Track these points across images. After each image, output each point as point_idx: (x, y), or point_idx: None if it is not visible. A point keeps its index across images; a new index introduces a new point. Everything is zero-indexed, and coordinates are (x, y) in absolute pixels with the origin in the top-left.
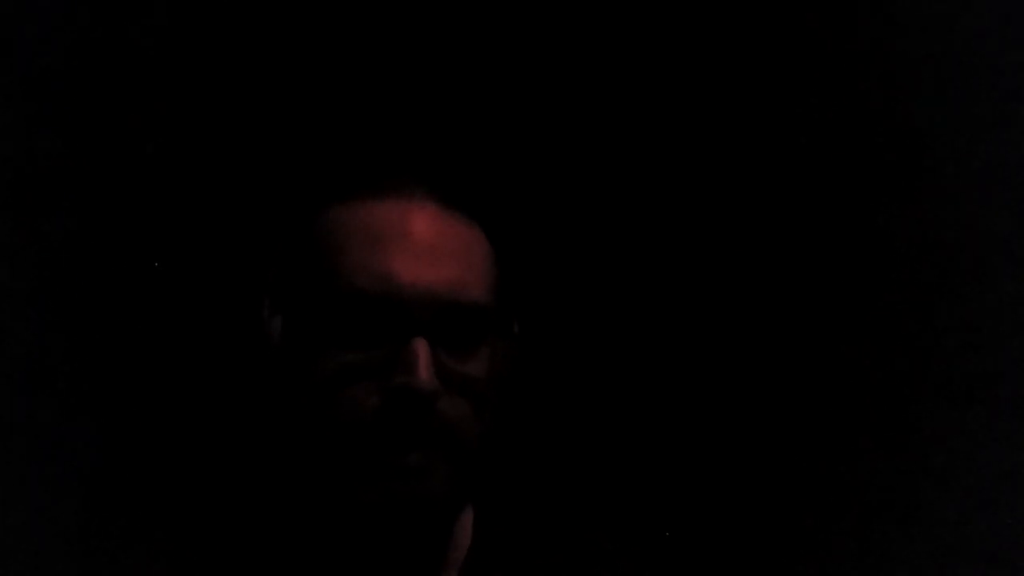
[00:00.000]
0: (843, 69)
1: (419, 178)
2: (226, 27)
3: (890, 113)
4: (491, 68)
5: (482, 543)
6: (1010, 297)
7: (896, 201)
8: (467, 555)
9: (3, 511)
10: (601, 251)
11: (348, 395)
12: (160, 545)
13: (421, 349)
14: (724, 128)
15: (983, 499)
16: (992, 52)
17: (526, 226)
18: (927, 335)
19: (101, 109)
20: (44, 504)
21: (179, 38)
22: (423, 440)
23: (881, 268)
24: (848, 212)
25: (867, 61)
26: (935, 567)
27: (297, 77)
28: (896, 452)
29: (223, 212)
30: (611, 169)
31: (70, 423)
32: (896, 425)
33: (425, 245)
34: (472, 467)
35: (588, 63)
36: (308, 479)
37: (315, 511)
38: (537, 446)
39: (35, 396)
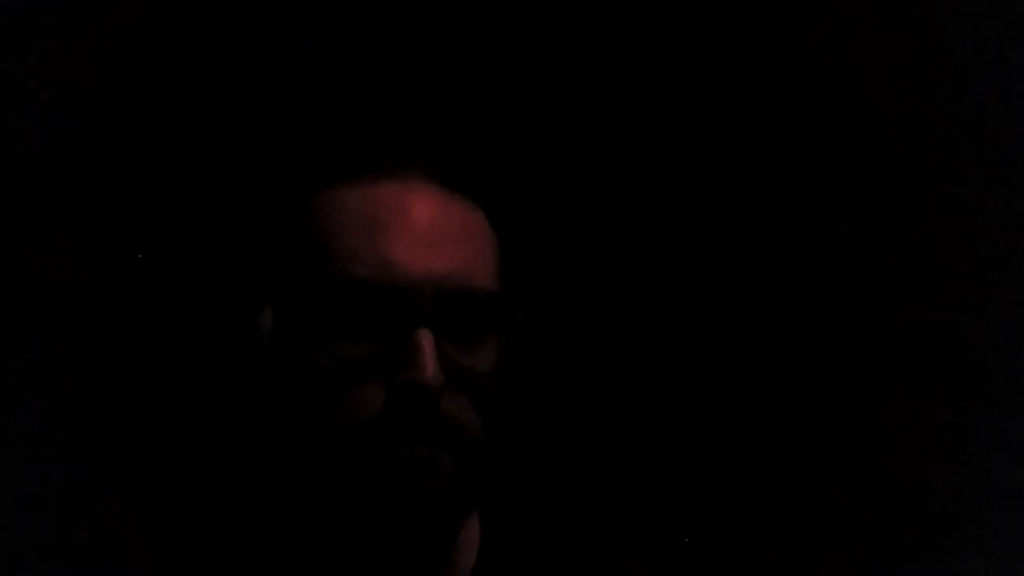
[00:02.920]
0: (850, 71)
1: (416, 159)
2: (212, 7)
3: (894, 120)
4: (488, 47)
5: (491, 552)
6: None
7: (905, 205)
8: (475, 564)
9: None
10: (606, 236)
11: (347, 393)
12: (153, 552)
13: (426, 341)
14: (727, 110)
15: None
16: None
17: (528, 210)
18: (939, 335)
19: (82, 92)
20: (35, 508)
21: (165, 20)
22: (428, 438)
23: (891, 269)
24: (862, 213)
25: (873, 63)
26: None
27: (286, 56)
28: (910, 455)
29: (206, 199)
30: (615, 152)
31: (56, 427)
32: (910, 425)
33: (426, 229)
34: (478, 467)
35: (590, 44)
36: (304, 483)
37: (313, 517)
38: (548, 449)
39: (19, 398)
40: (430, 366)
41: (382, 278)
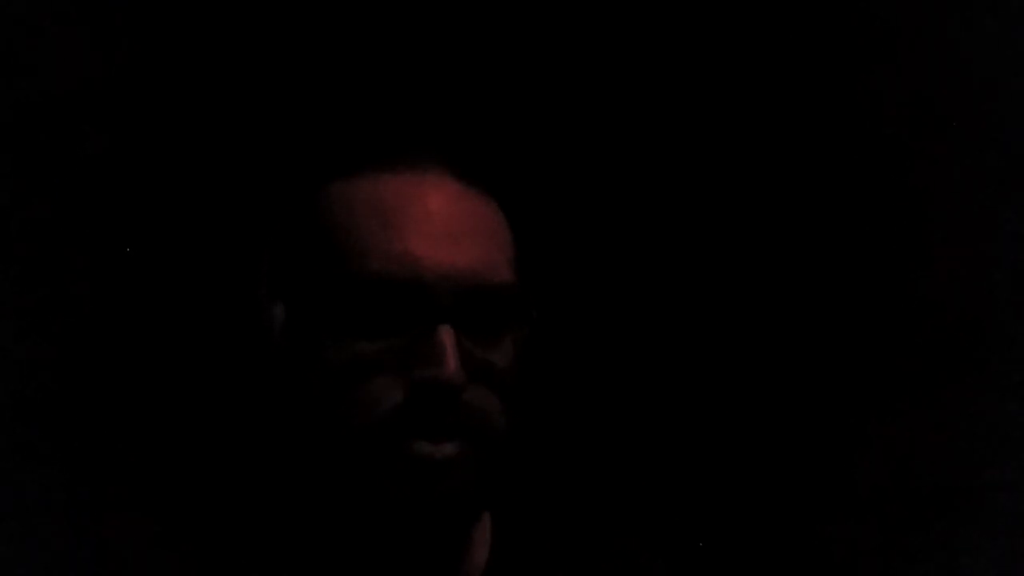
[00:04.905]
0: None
1: (431, 151)
2: None
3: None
4: (503, 39)
5: (503, 551)
6: None
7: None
8: (487, 562)
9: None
10: (621, 231)
11: (366, 390)
12: (166, 549)
13: (447, 337)
14: (744, 108)
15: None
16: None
17: (542, 204)
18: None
19: (92, 84)
20: (43, 506)
21: (177, 8)
22: (448, 434)
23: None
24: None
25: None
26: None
27: (299, 47)
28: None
29: (214, 189)
30: (629, 147)
31: (65, 425)
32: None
33: (444, 223)
34: (498, 465)
35: (607, 36)
36: (320, 482)
37: (326, 512)
38: (560, 447)
39: (26, 396)
40: (452, 363)
41: (400, 273)
